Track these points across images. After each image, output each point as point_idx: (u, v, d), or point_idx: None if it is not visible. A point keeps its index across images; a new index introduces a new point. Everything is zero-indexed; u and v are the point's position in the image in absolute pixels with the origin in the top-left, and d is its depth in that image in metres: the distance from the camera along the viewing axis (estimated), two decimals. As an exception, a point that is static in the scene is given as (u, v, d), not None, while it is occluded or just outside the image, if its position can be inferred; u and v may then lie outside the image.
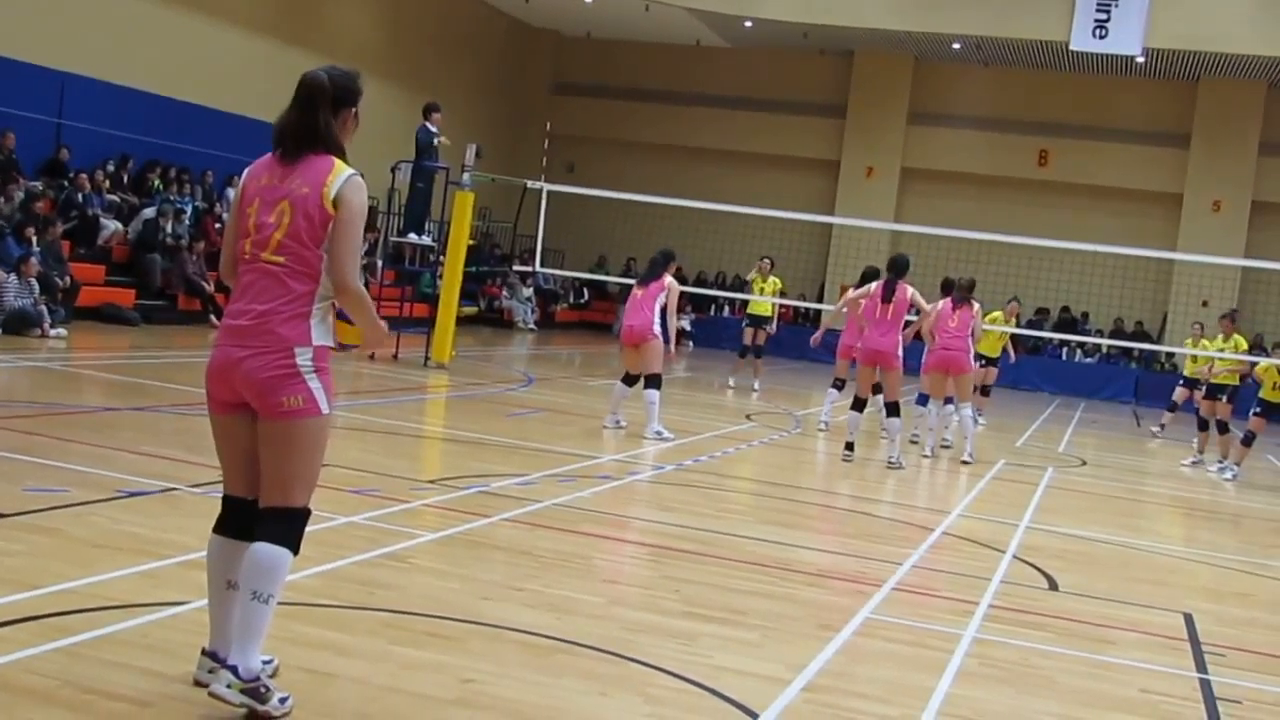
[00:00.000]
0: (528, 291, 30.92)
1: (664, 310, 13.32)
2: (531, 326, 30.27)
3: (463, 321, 20.47)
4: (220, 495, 4.68)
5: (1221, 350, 17.07)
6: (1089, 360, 30.56)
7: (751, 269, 21.09)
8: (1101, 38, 27.69)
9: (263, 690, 4.30)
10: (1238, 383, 17.03)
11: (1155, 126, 31.62)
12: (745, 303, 21.82)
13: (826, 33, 30.52)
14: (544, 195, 19.57)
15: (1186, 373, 19.18)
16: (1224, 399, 16.83)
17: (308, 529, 4.56)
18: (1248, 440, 15.81)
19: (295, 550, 4.48)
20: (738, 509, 9.98)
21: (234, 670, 4.31)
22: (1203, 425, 17.25)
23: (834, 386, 15.91)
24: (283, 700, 4.37)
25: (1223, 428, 16.76)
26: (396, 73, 28.52)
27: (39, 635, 4.88)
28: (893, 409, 13.30)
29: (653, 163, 33.93)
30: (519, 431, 12.51)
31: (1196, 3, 27.64)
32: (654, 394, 13.21)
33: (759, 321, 20.50)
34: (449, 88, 29.15)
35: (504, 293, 30.50)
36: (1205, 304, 28.05)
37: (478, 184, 19.09)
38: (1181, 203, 31.27)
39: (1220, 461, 16.59)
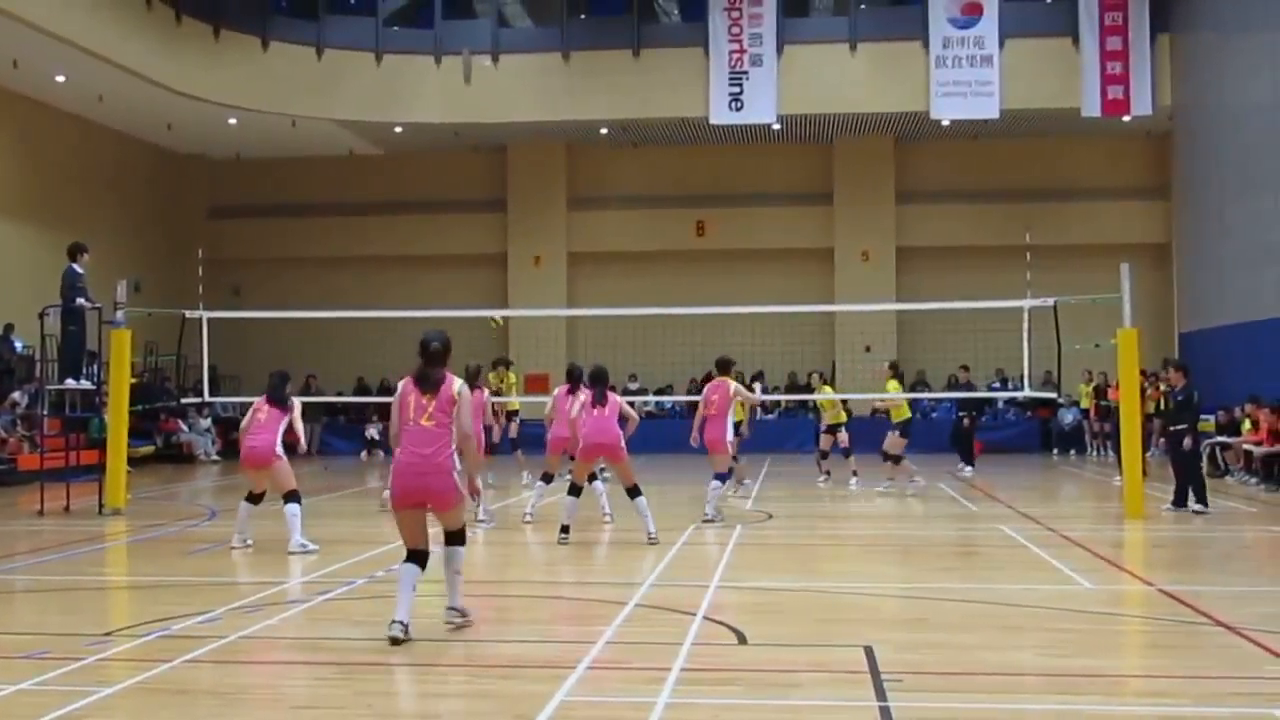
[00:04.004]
0: (206, 422, 29.96)
1: (289, 427, 13.44)
2: (215, 458, 29.30)
3: (140, 462, 19.70)
4: None
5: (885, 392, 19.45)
6: (769, 417, 31.25)
7: (493, 373, 20.91)
8: (738, 110, 29.22)
9: (466, 612, 8.85)
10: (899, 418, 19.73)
11: (801, 188, 33.35)
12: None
13: (477, 130, 31.05)
14: (204, 323, 19.06)
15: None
16: (897, 433, 19.43)
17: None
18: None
19: (463, 545, 8.93)
20: (431, 613, 9.88)
21: (455, 609, 8.77)
22: (824, 456, 20.76)
23: (543, 479, 15.81)
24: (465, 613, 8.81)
25: (895, 459, 19.32)
26: (40, 216, 27.40)
27: None
28: (634, 491, 13.67)
29: (322, 276, 33.61)
30: (202, 568, 12.11)
31: (816, 70, 29.56)
32: (294, 508, 13.09)
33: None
34: (99, 225, 28.12)
35: (181, 426, 29.46)
36: (869, 349, 29.57)
37: (135, 320, 18.46)
38: (833, 256, 32.97)
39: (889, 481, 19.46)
